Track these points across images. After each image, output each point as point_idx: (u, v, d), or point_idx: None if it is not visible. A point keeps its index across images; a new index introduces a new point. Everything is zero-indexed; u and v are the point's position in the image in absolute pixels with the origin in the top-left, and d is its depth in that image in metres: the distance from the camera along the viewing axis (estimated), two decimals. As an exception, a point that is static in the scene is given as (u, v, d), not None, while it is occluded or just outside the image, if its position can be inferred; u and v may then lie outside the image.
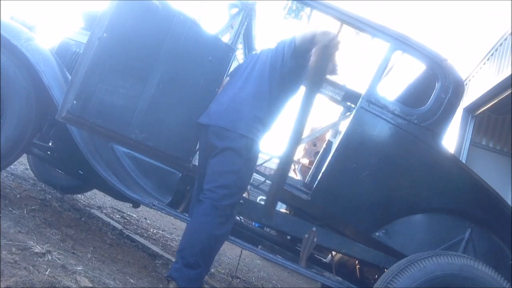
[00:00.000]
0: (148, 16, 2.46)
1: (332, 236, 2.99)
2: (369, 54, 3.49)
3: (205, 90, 2.71)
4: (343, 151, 2.83)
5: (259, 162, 2.83)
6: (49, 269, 1.96)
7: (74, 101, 2.30)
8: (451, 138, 6.32)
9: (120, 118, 2.46)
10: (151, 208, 2.76)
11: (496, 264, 2.75)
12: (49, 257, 2.12)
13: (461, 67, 6.30)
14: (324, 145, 4.23)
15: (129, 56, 2.44)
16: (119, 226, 3.81)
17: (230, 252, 5.31)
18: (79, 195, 4.41)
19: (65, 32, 3.43)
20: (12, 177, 3.71)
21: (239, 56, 3.55)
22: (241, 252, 3.48)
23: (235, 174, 2.53)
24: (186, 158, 2.74)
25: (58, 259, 2.14)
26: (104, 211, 4.29)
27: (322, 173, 2.88)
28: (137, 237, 3.73)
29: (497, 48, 5.73)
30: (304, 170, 5.08)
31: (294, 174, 5.23)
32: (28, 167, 4.20)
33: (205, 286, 3.00)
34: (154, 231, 4.64)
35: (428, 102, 2.87)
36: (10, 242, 2.10)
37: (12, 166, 3.97)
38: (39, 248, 2.15)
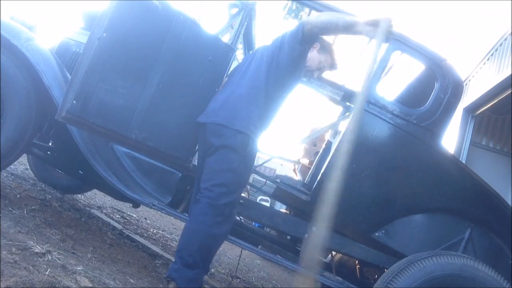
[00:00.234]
0: (148, 16, 2.46)
1: (332, 236, 2.99)
2: (369, 54, 3.49)
3: (205, 90, 2.71)
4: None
5: (259, 162, 2.83)
6: (49, 269, 1.97)
7: (74, 101, 2.30)
8: (451, 138, 6.32)
9: (120, 118, 2.46)
10: (151, 208, 2.76)
11: (496, 264, 2.74)
12: (49, 257, 2.12)
13: (461, 67, 6.30)
14: (324, 145, 4.22)
15: (129, 56, 2.44)
16: (119, 226, 3.81)
17: (230, 252, 5.31)
18: (79, 195, 4.41)
19: (65, 32, 3.44)
20: (12, 177, 3.71)
21: (239, 56, 3.55)
22: (241, 252, 3.48)
23: (231, 172, 2.51)
24: (186, 158, 2.74)
25: (58, 259, 2.14)
26: (104, 211, 4.30)
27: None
28: (137, 237, 3.73)
29: (497, 48, 5.73)
30: (304, 170, 5.07)
31: (294, 174, 5.23)
32: (28, 167, 4.20)
33: (205, 286, 3.00)
34: (154, 231, 4.65)
35: (427, 102, 2.87)
36: (10, 242, 2.10)
37: (12, 166, 3.97)
38: (39, 248, 2.15)
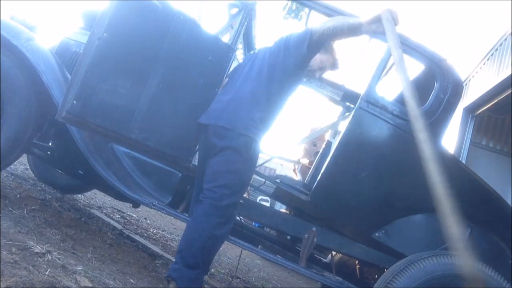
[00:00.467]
0: (148, 16, 2.46)
1: (332, 236, 2.99)
2: (368, 54, 3.50)
3: (205, 90, 2.71)
4: (342, 152, 2.83)
5: (259, 162, 2.83)
6: (49, 269, 1.97)
7: (74, 101, 2.30)
8: (451, 138, 6.32)
9: (120, 118, 2.46)
10: (151, 208, 2.76)
11: (496, 264, 2.74)
12: (49, 257, 2.12)
13: (461, 67, 6.30)
14: (324, 146, 4.22)
15: (129, 56, 2.44)
16: (119, 226, 3.82)
17: (230, 252, 5.32)
18: (79, 195, 4.41)
19: (65, 32, 3.44)
20: (12, 177, 3.71)
21: (239, 56, 3.55)
22: (241, 252, 3.48)
23: (234, 174, 2.52)
24: (186, 158, 2.74)
25: (58, 259, 2.14)
26: (104, 211, 4.30)
27: (322, 173, 2.88)
28: (137, 237, 3.73)
29: (497, 48, 5.73)
30: (304, 170, 5.07)
31: (294, 174, 5.23)
32: (28, 167, 4.20)
33: (205, 286, 3.00)
34: (154, 231, 4.65)
35: (427, 102, 2.87)
36: (10, 242, 2.10)
37: (12, 166, 3.97)
38: (39, 248, 2.15)
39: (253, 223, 3.75)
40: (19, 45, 2.66)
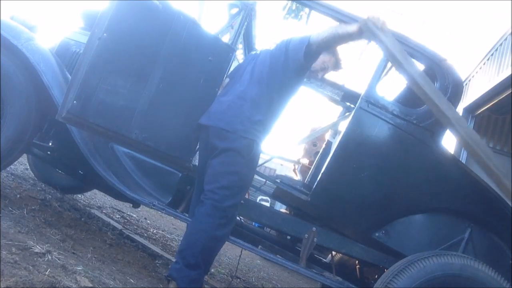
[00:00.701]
0: (148, 16, 2.46)
1: (332, 236, 2.99)
2: (368, 54, 3.50)
3: (205, 90, 2.71)
4: (342, 152, 2.83)
5: (259, 162, 2.83)
6: (49, 269, 1.97)
7: (74, 101, 2.30)
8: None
9: (120, 118, 2.46)
10: (151, 208, 2.76)
11: (496, 264, 2.74)
12: (49, 257, 2.12)
13: (461, 67, 6.29)
14: (324, 146, 4.22)
15: (129, 56, 2.44)
16: (119, 226, 3.82)
17: (230, 252, 5.31)
18: (79, 195, 4.41)
19: (65, 32, 3.44)
20: (12, 177, 3.71)
21: (239, 56, 3.55)
22: (241, 252, 3.48)
23: (236, 175, 2.53)
24: (186, 158, 2.74)
25: (58, 259, 2.14)
26: (104, 211, 4.30)
27: (322, 173, 2.88)
28: (137, 237, 3.73)
29: (497, 48, 5.73)
30: (304, 170, 5.08)
31: (294, 174, 5.23)
32: (28, 167, 4.20)
33: (205, 286, 3.01)
34: (154, 231, 4.65)
35: (428, 102, 2.87)
36: (10, 242, 2.10)
37: (12, 166, 3.97)
38: (39, 248, 2.15)
39: (253, 223, 3.75)
40: (19, 45, 2.66)
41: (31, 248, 2.12)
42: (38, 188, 3.70)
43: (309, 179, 4.01)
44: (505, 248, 2.94)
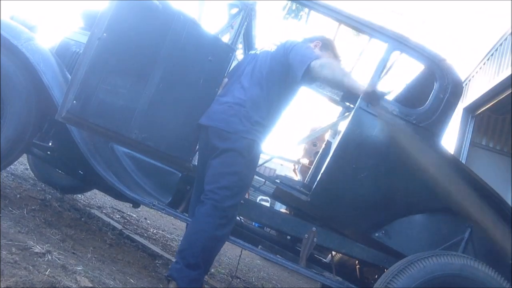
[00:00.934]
0: (148, 16, 2.46)
1: (332, 236, 2.99)
2: (368, 54, 3.50)
3: (205, 90, 2.71)
4: (342, 152, 2.83)
5: (259, 162, 2.83)
6: (49, 269, 1.97)
7: (74, 101, 2.30)
8: (451, 138, 6.31)
9: (120, 118, 2.46)
10: (151, 208, 2.76)
11: (496, 264, 2.74)
12: (49, 257, 2.12)
13: (461, 67, 6.29)
14: (323, 146, 4.22)
15: (129, 56, 2.44)
16: (119, 226, 3.82)
17: (230, 252, 5.31)
18: (79, 195, 4.41)
19: (65, 32, 3.44)
20: (12, 177, 3.71)
21: (239, 56, 3.55)
22: (241, 252, 3.48)
23: (236, 175, 2.53)
24: (186, 158, 2.75)
25: (58, 259, 2.14)
26: (104, 211, 4.30)
27: (321, 173, 2.88)
28: (137, 237, 3.73)
29: (497, 48, 5.72)
30: (304, 170, 5.07)
31: (294, 174, 5.23)
32: (28, 167, 4.20)
33: (205, 286, 3.01)
34: (154, 231, 4.65)
35: (427, 102, 2.87)
36: (10, 242, 2.10)
37: (12, 166, 3.97)
38: (39, 248, 2.15)
39: (253, 223, 3.75)
40: (19, 45, 2.66)
41: (31, 248, 2.12)
42: (38, 188, 3.70)
43: (308, 179, 4.01)
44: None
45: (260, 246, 3.12)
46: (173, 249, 4.11)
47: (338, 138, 3.03)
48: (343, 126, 3.30)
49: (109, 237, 3.20)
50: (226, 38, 2.99)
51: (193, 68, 2.66)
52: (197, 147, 2.80)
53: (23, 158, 4.20)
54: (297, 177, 4.96)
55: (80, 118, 2.35)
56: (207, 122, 2.61)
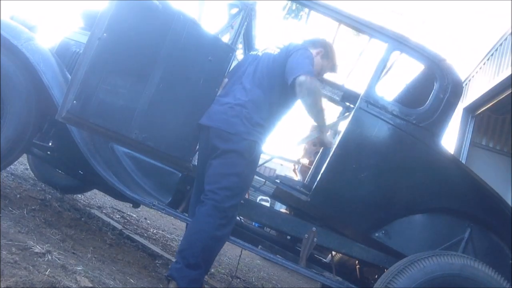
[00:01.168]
0: (148, 16, 2.46)
1: (332, 236, 2.99)
2: (368, 54, 3.50)
3: (205, 90, 2.71)
4: (342, 152, 2.83)
5: (259, 162, 2.84)
6: (49, 269, 1.97)
7: (74, 101, 2.30)
8: (451, 138, 6.31)
9: (120, 118, 2.46)
10: (151, 208, 2.76)
11: (496, 264, 2.74)
12: (49, 257, 2.12)
13: (461, 67, 6.29)
14: (324, 145, 4.21)
15: (129, 56, 2.44)
16: (119, 226, 3.82)
17: (230, 252, 5.31)
18: (79, 195, 4.41)
19: (65, 32, 3.44)
20: (12, 177, 3.71)
21: (239, 56, 3.55)
22: (241, 252, 3.48)
23: (237, 176, 2.54)
24: (186, 158, 2.75)
25: (58, 259, 2.14)
26: (104, 211, 4.30)
27: (321, 174, 2.88)
28: (137, 237, 3.73)
29: (497, 48, 5.72)
30: (304, 170, 5.07)
31: (294, 174, 5.22)
32: (28, 167, 4.20)
33: (205, 286, 3.01)
34: (154, 231, 4.65)
35: (427, 102, 2.87)
36: (10, 242, 2.10)
37: (12, 166, 3.97)
38: (39, 248, 2.15)
39: (253, 223, 3.75)
40: (19, 45, 2.66)
41: (31, 248, 2.12)
42: (38, 188, 3.70)
43: (308, 179, 4.01)
44: (505, 248, 2.94)
45: (260, 246, 3.12)
46: (173, 249, 4.11)
47: (338, 138, 3.04)
48: (343, 126, 3.30)
49: (109, 237, 3.20)
50: (226, 38, 2.99)
51: (193, 68, 2.66)
52: (197, 147, 2.80)
53: (23, 158, 4.20)
54: (297, 177, 4.96)
55: (80, 118, 2.35)
56: (208, 123, 2.61)
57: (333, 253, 3.41)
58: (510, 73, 4.88)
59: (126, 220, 4.44)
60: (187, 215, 2.81)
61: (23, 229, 2.40)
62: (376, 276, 3.27)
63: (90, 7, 3.40)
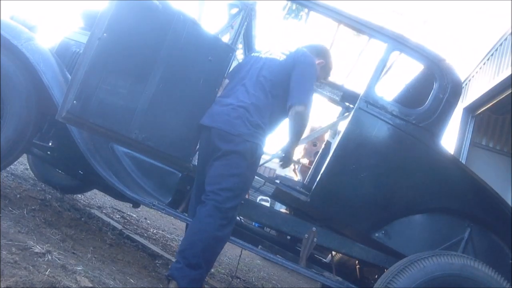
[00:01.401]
0: (148, 16, 2.46)
1: (332, 236, 3.00)
2: (367, 54, 3.50)
3: (205, 90, 2.72)
4: (341, 152, 2.83)
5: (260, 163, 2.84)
6: (49, 269, 1.97)
7: (74, 101, 2.30)
8: (451, 138, 6.32)
9: (120, 118, 2.46)
10: (151, 208, 2.76)
11: (496, 264, 2.74)
12: (49, 257, 2.12)
13: (461, 67, 6.28)
14: (323, 146, 4.22)
15: (129, 56, 2.44)
16: (119, 226, 3.82)
17: (230, 252, 5.31)
18: (79, 195, 4.41)
19: (65, 32, 3.44)
20: (12, 177, 3.71)
21: (239, 56, 3.55)
22: (241, 252, 3.48)
23: (238, 177, 2.54)
24: (186, 158, 2.75)
25: (58, 259, 2.14)
26: (104, 211, 4.30)
27: (321, 174, 2.88)
28: (137, 237, 3.73)
29: (497, 48, 5.72)
30: (304, 170, 5.08)
31: (294, 174, 5.23)
32: (28, 167, 4.20)
33: (205, 286, 3.01)
34: (154, 231, 4.65)
35: (426, 102, 2.88)
36: (10, 242, 2.10)
37: (12, 166, 3.98)
38: (39, 248, 2.15)
39: (253, 223, 3.75)
40: (19, 45, 2.66)
41: (31, 248, 2.12)
42: (38, 188, 3.70)
43: (308, 180, 4.01)
44: (505, 248, 2.94)
45: (260, 246, 3.12)
46: (173, 249, 4.11)
47: (338, 138, 3.04)
48: (342, 126, 3.30)
49: (109, 237, 3.20)
50: (226, 38, 2.99)
51: (193, 68, 2.66)
52: (197, 147, 2.81)
53: (23, 158, 4.20)
54: (297, 177, 4.97)
55: (80, 118, 2.35)
56: (210, 123, 2.61)
57: (333, 253, 3.42)
58: (510, 73, 4.88)
59: (126, 220, 4.44)
60: (187, 215, 2.81)
61: (23, 229, 2.40)
62: (376, 276, 3.27)
63: (90, 7, 3.40)
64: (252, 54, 2.96)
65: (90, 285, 2.04)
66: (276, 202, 7.33)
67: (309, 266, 2.94)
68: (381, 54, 2.90)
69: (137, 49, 2.46)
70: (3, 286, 1.65)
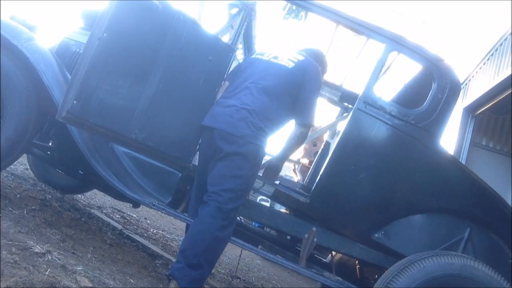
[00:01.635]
0: (148, 16, 2.46)
1: (332, 236, 2.99)
2: (366, 55, 3.50)
3: (205, 90, 2.72)
4: (340, 153, 2.83)
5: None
6: (49, 269, 1.97)
7: (74, 101, 2.30)
8: (451, 138, 6.32)
9: (120, 118, 2.46)
10: (151, 208, 2.77)
11: (496, 264, 2.75)
12: (49, 257, 2.12)
13: (461, 67, 6.29)
14: (322, 146, 4.22)
15: (129, 56, 2.44)
16: (119, 226, 3.82)
17: (230, 252, 5.31)
18: (79, 195, 4.42)
19: (65, 32, 3.44)
20: (12, 177, 3.71)
21: (239, 56, 3.55)
22: (241, 252, 3.48)
23: (241, 179, 2.55)
24: (186, 158, 2.75)
25: (58, 259, 2.15)
26: (104, 211, 4.30)
27: (320, 175, 2.88)
28: (137, 237, 3.74)
29: (497, 48, 5.72)
30: (304, 170, 5.08)
31: (294, 174, 5.23)
32: (28, 167, 4.21)
33: (205, 286, 3.01)
34: (154, 231, 4.65)
35: (425, 103, 2.88)
36: (10, 242, 2.10)
37: (12, 166, 3.98)
38: (39, 248, 2.16)
39: (253, 223, 3.75)
40: (19, 45, 2.66)
41: (31, 248, 2.12)
42: (38, 188, 3.70)
43: (308, 180, 4.01)
44: (505, 248, 2.94)
45: (260, 246, 3.12)
46: (173, 249, 4.11)
47: (337, 139, 3.04)
48: (341, 127, 3.30)
49: (109, 237, 3.21)
50: (226, 38, 2.99)
51: (193, 68, 2.66)
52: (197, 147, 2.81)
53: (23, 158, 4.20)
54: (297, 177, 4.97)
55: (80, 118, 2.35)
56: (213, 124, 2.60)
57: (333, 253, 3.42)
58: (510, 73, 4.89)
59: (126, 220, 4.44)
60: (187, 215, 2.81)
61: (23, 229, 2.40)
62: (376, 276, 3.27)
63: (90, 7, 3.40)
64: (254, 56, 2.91)
65: (90, 285, 2.04)
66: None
67: (309, 266, 2.94)
68: (379, 55, 2.90)
69: (137, 49, 2.46)
70: (3, 286, 1.65)
